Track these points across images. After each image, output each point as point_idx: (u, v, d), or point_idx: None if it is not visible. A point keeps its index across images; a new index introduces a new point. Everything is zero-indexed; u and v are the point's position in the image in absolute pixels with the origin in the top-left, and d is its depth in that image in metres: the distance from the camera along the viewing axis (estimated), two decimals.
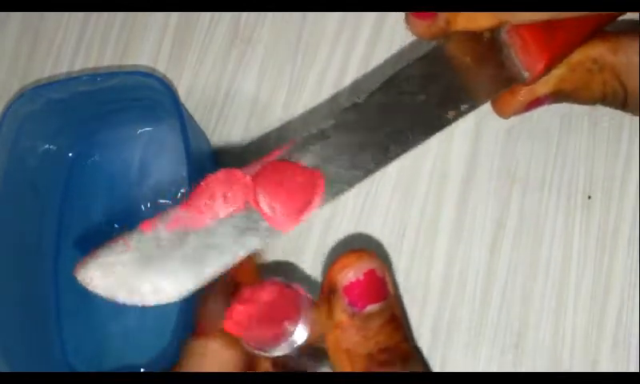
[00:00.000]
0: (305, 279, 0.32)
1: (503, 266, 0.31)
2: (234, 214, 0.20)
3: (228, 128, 0.34)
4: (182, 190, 0.33)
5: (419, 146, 0.22)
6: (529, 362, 0.30)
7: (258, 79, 0.34)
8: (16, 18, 0.37)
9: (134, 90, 0.30)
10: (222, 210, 0.20)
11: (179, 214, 0.21)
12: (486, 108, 0.33)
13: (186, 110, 0.30)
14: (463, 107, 0.22)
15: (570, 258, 0.31)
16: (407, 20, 0.24)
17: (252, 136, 0.34)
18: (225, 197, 0.21)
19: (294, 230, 0.32)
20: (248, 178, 0.21)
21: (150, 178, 0.33)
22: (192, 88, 0.35)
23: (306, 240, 0.32)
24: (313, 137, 0.22)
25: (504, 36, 0.22)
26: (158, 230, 0.20)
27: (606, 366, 0.30)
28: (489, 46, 0.23)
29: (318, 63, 0.34)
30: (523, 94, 0.24)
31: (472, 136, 0.33)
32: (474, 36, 0.23)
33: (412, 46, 0.34)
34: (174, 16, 0.36)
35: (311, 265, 0.32)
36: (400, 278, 0.31)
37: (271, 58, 0.34)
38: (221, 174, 0.21)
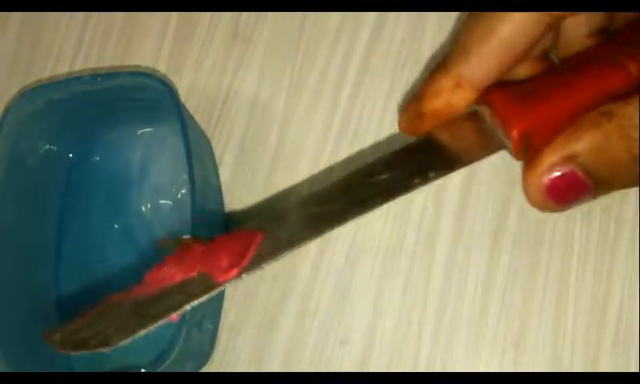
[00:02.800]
0: (305, 282, 0.32)
1: (504, 267, 0.31)
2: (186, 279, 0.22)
3: (228, 128, 0.34)
4: (183, 191, 0.33)
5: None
6: (529, 362, 0.30)
7: (258, 79, 0.34)
8: (16, 18, 0.37)
9: (135, 90, 0.30)
10: (176, 279, 0.22)
11: (136, 288, 0.22)
12: None
13: (187, 111, 0.30)
14: (432, 175, 0.22)
15: (570, 257, 0.31)
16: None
17: (252, 136, 0.34)
18: (181, 273, 0.22)
19: None
20: (201, 249, 0.22)
21: (150, 179, 0.33)
22: (192, 88, 0.35)
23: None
24: (275, 218, 0.22)
25: (480, 109, 0.22)
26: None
27: (606, 366, 0.30)
28: (467, 117, 0.22)
29: (318, 63, 0.34)
30: (537, 169, 0.20)
31: None
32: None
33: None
34: (174, 16, 0.36)
35: (311, 265, 0.32)
36: (400, 279, 0.31)
37: (271, 58, 0.34)
38: (177, 256, 0.22)
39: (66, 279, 0.33)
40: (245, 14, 0.35)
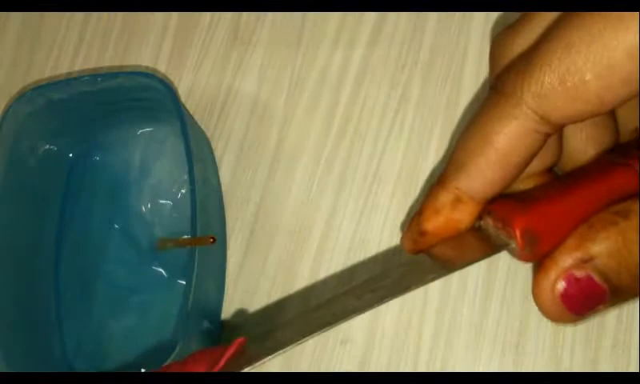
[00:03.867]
0: (305, 281, 0.32)
1: (504, 266, 0.31)
2: None
3: (228, 128, 0.34)
4: (183, 191, 0.33)
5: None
6: (529, 362, 0.30)
7: (258, 79, 0.34)
8: (16, 18, 0.37)
9: (135, 90, 0.30)
10: None
11: None
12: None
13: (187, 111, 0.30)
14: (430, 277, 0.20)
15: None
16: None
17: (252, 136, 0.34)
18: None
19: (294, 230, 0.32)
20: (179, 364, 0.20)
21: (150, 179, 0.33)
22: (192, 88, 0.35)
23: (307, 240, 0.32)
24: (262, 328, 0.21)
25: (482, 224, 0.21)
26: None
27: (606, 366, 0.30)
28: (470, 232, 0.21)
29: (318, 63, 0.34)
30: (549, 274, 0.18)
31: None
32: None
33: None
34: (175, 16, 0.36)
35: (311, 265, 0.32)
36: None
37: (271, 58, 0.34)
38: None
39: (65, 279, 0.33)
40: (245, 14, 0.35)
